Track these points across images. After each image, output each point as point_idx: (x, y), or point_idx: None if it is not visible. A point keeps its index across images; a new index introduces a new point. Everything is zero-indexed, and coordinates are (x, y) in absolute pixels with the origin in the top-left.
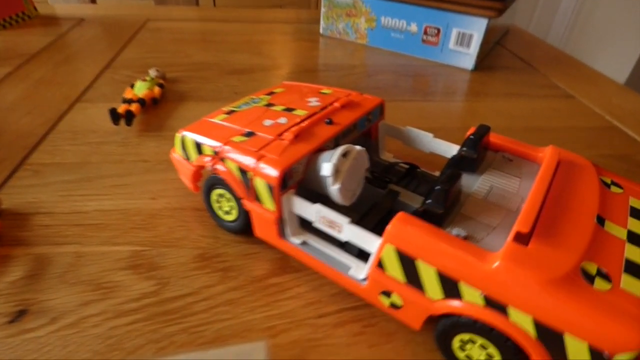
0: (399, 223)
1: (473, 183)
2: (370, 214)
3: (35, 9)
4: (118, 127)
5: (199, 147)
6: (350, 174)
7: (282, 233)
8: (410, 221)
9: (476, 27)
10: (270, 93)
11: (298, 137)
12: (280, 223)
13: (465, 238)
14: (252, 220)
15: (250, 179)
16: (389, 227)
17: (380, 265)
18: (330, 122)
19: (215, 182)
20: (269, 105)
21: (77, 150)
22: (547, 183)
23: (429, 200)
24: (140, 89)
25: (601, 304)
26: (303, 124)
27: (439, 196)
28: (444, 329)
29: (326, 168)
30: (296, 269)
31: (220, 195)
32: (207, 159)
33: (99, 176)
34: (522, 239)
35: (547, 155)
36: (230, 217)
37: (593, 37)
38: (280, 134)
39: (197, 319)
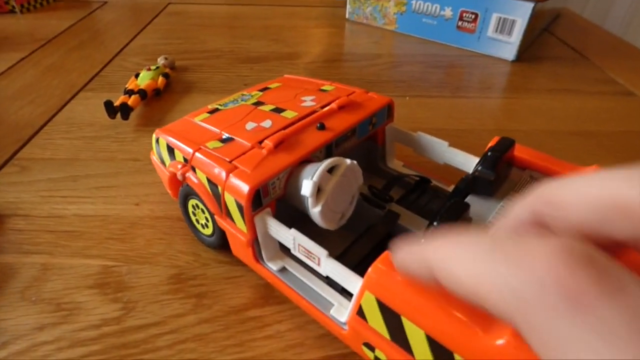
0: (381, 267)
1: (489, 211)
2: (365, 237)
3: None
4: (114, 121)
5: (171, 151)
6: (337, 194)
7: (258, 256)
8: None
9: (520, 12)
10: (265, 89)
11: (280, 145)
12: (256, 245)
13: None
14: (228, 238)
15: (221, 194)
16: (369, 271)
17: (360, 313)
18: (323, 127)
19: (190, 192)
20: (258, 103)
21: (69, 145)
22: None
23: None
24: (143, 79)
25: None
26: (288, 130)
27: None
28: None
29: (306, 186)
30: (280, 300)
31: (196, 207)
32: (179, 166)
33: (86, 175)
34: None
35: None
36: (208, 231)
37: None
38: (261, 141)
39: (158, 357)
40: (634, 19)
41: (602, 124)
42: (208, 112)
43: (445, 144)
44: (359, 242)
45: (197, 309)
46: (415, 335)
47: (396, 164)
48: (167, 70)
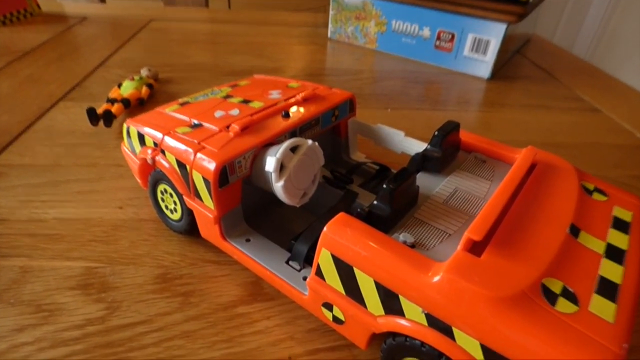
0: (335, 225)
1: (436, 184)
2: (325, 216)
3: (38, 6)
4: (97, 129)
5: (142, 138)
6: (299, 171)
7: (224, 233)
8: (349, 223)
9: (494, 33)
10: (235, 85)
11: (247, 129)
12: (223, 222)
13: (413, 245)
14: (196, 219)
15: (189, 173)
16: (325, 230)
17: (319, 272)
18: (287, 115)
19: (159, 176)
20: (227, 97)
21: (49, 152)
22: (513, 186)
23: (374, 201)
24: (127, 88)
25: (561, 330)
26: (255, 116)
27: (385, 196)
28: (390, 350)
29: (270, 163)
30: (269, 297)
31: (164, 191)
32: (149, 151)
33: (67, 180)
34: (473, 248)
35: (520, 156)
36: (176, 216)
37: (622, 50)
38: (228, 126)
39: (144, 354)
40: (600, 44)
41: (571, 136)
42: (179, 104)
43: (402, 133)
44: (320, 220)
45: (184, 307)
46: (366, 285)
47: (359, 156)
48: (151, 81)
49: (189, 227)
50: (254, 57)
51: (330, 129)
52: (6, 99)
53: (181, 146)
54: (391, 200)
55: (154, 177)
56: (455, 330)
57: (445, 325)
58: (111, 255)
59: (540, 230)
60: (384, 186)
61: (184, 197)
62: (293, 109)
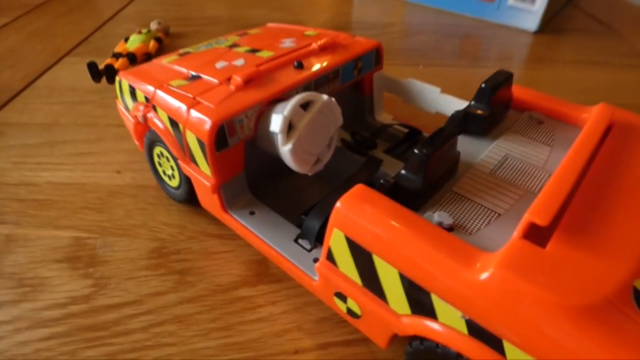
0: (352, 199)
1: (481, 150)
2: (342, 187)
3: None
4: (100, 86)
5: (133, 92)
6: (312, 132)
7: (226, 204)
8: (369, 197)
9: None
10: (244, 34)
11: (251, 82)
12: (223, 192)
13: (451, 228)
14: (194, 187)
15: (182, 133)
16: (337, 205)
17: (330, 257)
18: (300, 66)
19: (155, 137)
20: (233, 46)
21: (48, 110)
22: (587, 154)
23: (402, 170)
24: (133, 42)
25: None
26: (262, 67)
27: (416, 164)
28: (416, 355)
29: (276, 121)
30: (276, 278)
31: (161, 155)
32: (141, 107)
33: (64, 141)
34: (536, 235)
35: (592, 115)
36: (174, 183)
37: None
38: (230, 78)
39: (129, 341)
40: None
41: (636, 97)
42: (178, 55)
43: (438, 89)
44: (335, 192)
45: (179, 287)
46: (389, 276)
47: (385, 117)
48: (160, 34)
49: (188, 196)
50: (273, 10)
51: (352, 84)
52: (11, 54)
53: (173, 101)
54: (424, 169)
55: (149, 138)
56: (507, 345)
57: (493, 337)
58: (104, 225)
59: (624, 212)
60: (416, 151)
61: (179, 161)
62: (308, 60)
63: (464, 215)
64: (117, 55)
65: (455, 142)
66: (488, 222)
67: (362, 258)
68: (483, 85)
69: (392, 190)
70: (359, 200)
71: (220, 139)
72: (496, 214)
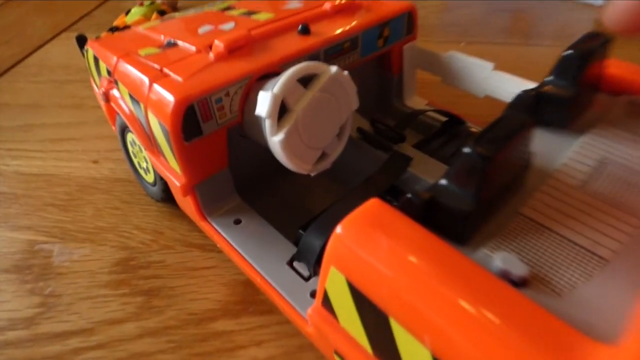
0: (359, 223)
1: (562, 151)
2: (358, 191)
3: None
4: None
5: (97, 63)
6: (314, 118)
7: (202, 209)
8: (388, 222)
9: None
10: None
11: (238, 50)
12: (198, 192)
13: (523, 282)
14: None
15: (145, 115)
16: (335, 233)
17: (327, 303)
18: (306, 31)
19: (124, 122)
20: (227, 9)
21: (33, 90)
22: None
23: (443, 180)
24: (134, 15)
25: None
26: (254, 32)
27: (464, 171)
28: None
29: (263, 102)
30: (266, 308)
31: (133, 142)
32: (105, 82)
33: (42, 124)
34: None
35: None
36: (150, 178)
37: None
38: (212, 45)
39: None
40: None
41: None
42: (161, 20)
43: (490, 65)
44: (345, 201)
45: (142, 313)
46: (414, 356)
47: (417, 101)
48: (164, 7)
49: (166, 195)
50: None
51: (377, 57)
52: (9, 28)
53: (136, 73)
54: (479, 179)
55: (120, 122)
56: None
57: None
58: (67, 226)
59: None
60: (466, 150)
61: (147, 152)
62: (318, 24)
63: (544, 258)
64: (113, 29)
65: (528, 137)
66: (589, 275)
67: (373, 317)
68: (568, 52)
69: (425, 209)
70: (371, 225)
71: (190, 124)
72: (599, 260)
